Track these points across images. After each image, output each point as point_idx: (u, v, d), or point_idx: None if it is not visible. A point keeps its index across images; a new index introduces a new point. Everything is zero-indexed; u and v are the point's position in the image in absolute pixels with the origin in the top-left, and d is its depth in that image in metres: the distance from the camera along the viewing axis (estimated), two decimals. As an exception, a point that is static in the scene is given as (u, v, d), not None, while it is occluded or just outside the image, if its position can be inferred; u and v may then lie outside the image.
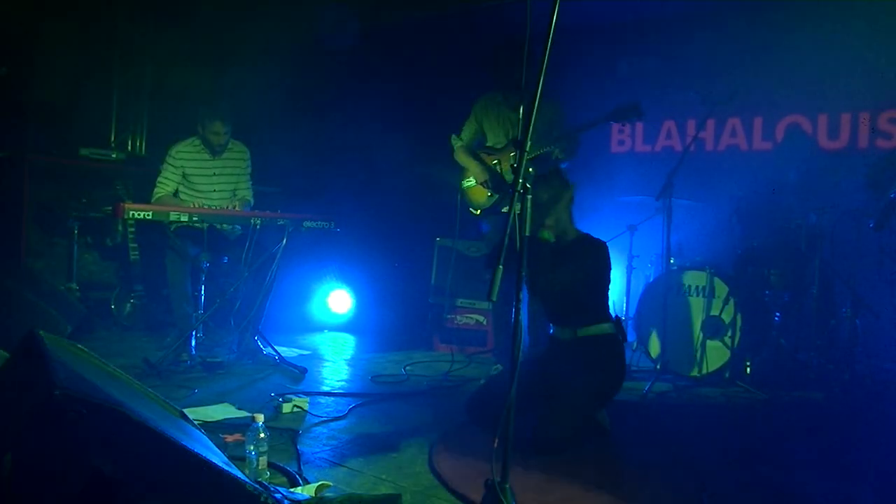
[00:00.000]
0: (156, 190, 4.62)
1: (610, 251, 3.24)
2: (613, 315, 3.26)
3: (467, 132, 4.53)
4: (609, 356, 3.15)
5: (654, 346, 4.44)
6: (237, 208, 4.62)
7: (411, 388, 3.99)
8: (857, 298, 4.23)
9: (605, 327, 3.17)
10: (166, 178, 4.62)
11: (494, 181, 4.29)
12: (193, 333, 4.33)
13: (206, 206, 4.60)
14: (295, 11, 6.04)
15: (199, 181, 4.69)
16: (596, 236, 3.27)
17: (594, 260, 3.18)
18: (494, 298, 1.88)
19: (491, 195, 4.30)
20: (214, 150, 4.69)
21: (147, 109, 6.55)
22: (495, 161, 4.34)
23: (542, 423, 2.90)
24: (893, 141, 4.89)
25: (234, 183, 4.81)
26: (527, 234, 2.01)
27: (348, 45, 6.09)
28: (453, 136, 4.57)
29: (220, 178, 4.74)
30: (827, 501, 2.55)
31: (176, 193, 4.68)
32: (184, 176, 4.66)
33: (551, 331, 3.38)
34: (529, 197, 2.03)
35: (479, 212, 4.42)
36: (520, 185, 1.98)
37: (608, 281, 3.25)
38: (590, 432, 3.08)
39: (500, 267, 1.89)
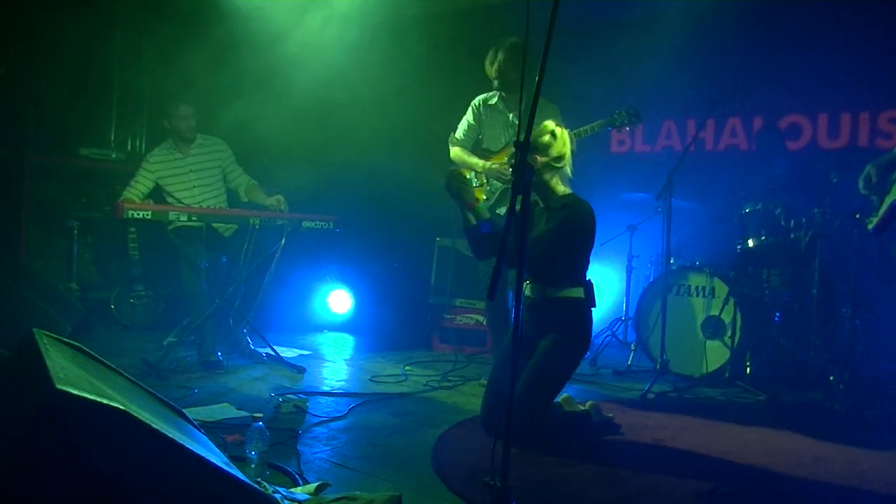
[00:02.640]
0: (124, 192, 4.56)
1: (596, 225, 3.12)
2: (587, 279, 3.19)
3: (464, 132, 4.48)
4: (574, 321, 3.12)
5: (654, 347, 4.44)
6: (257, 197, 4.62)
7: (411, 388, 3.99)
8: (857, 298, 4.23)
9: (576, 291, 3.12)
10: (137, 181, 4.59)
11: (490, 184, 4.28)
12: (205, 329, 4.33)
13: (197, 206, 4.58)
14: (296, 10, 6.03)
15: (177, 181, 4.65)
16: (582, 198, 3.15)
17: (572, 223, 3.07)
18: (493, 298, 1.88)
19: (487, 198, 4.28)
20: (185, 139, 4.64)
21: (147, 109, 6.55)
22: (492, 163, 4.31)
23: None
24: (893, 141, 4.89)
25: (214, 177, 4.76)
26: (529, 233, 2.01)
27: (349, 44, 6.08)
28: (451, 134, 4.55)
29: (198, 174, 4.70)
30: (827, 502, 2.55)
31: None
32: (161, 181, 4.63)
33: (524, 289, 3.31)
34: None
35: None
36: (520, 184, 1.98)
37: (589, 244, 3.15)
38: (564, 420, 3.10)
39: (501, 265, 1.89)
